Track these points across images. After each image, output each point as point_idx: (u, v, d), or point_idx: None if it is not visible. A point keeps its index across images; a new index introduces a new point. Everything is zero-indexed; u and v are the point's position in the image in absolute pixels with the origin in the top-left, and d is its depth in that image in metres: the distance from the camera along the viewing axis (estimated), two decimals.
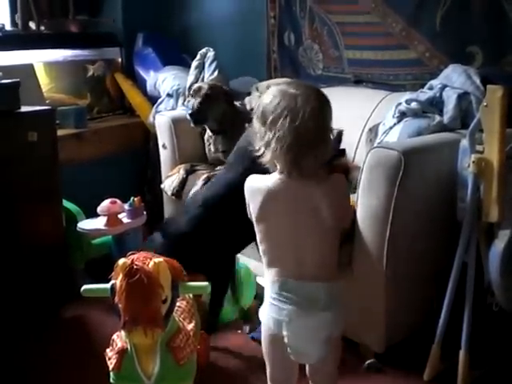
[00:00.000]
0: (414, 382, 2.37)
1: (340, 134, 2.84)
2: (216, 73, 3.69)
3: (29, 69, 3.75)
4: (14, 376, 2.47)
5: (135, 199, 3.15)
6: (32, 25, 4.02)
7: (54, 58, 4.06)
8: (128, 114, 4.32)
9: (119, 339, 1.87)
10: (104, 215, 3.06)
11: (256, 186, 1.72)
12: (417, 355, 2.44)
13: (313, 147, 1.61)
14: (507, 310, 2.29)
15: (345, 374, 2.08)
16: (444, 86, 2.77)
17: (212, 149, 3.38)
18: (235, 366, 2.51)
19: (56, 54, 4.06)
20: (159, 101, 3.95)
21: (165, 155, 3.53)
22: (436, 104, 2.74)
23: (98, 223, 3.07)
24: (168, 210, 3.56)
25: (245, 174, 1.87)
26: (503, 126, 2.09)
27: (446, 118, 2.67)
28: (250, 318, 2.78)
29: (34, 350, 2.66)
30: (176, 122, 3.43)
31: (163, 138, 3.51)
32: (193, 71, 3.78)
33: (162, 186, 3.44)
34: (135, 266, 1.71)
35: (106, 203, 3.08)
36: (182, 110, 3.60)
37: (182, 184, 3.29)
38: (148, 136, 4.05)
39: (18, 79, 2.82)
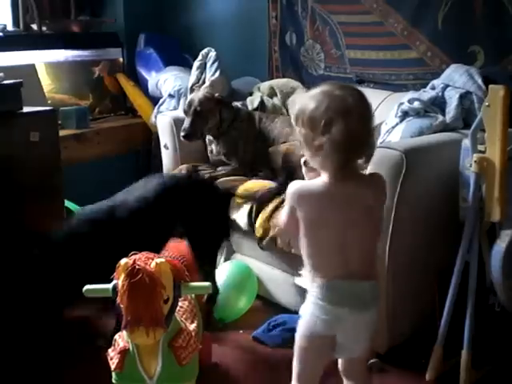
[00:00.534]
0: (417, 382, 2.37)
1: None
2: (218, 73, 3.69)
3: (31, 69, 3.76)
4: (16, 376, 2.47)
5: None
6: (34, 25, 4.02)
7: (56, 58, 4.06)
8: (130, 115, 4.32)
9: (121, 339, 1.87)
10: None
11: (307, 191, 1.69)
12: (419, 355, 2.44)
13: (363, 148, 1.64)
14: (509, 310, 2.29)
15: None
16: (446, 86, 2.77)
17: (214, 151, 3.38)
18: (237, 366, 2.51)
19: (58, 55, 4.07)
20: (161, 101, 3.95)
21: (167, 155, 3.53)
22: (438, 104, 2.74)
23: None
24: None
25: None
26: (505, 126, 2.09)
27: (448, 118, 2.67)
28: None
29: (36, 349, 2.66)
30: (178, 123, 3.43)
31: (165, 138, 3.51)
32: (194, 71, 3.78)
33: None
34: (137, 266, 1.71)
35: None
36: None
37: None
38: (150, 136, 4.05)
39: (20, 80, 2.82)
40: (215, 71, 3.70)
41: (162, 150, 3.55)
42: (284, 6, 3.85)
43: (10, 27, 4.04)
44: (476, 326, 2.25)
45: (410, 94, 2.83)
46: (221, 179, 3.16)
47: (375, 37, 3.37)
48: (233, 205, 2.93)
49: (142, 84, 4.28)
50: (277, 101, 3.63)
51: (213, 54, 3.76)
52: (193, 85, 3.74)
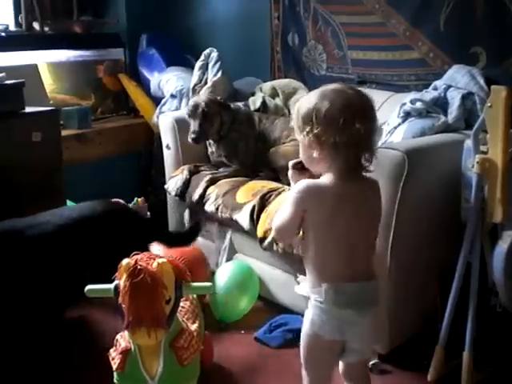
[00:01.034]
0: (418, 383, 2.36)
1: None
2: (219, 73, 3.69)
3: (33, 69, 3.76)
4: (17, 376, 2.47)
5: (139, 200, 3.16)
6: (36, 25, 4.03)
7: (58, 58, 4.07)
8: (132, 115, 4.33)
9: (123, 339, 1.87)
10: None
11: (319, 189, 1.68)
12: (421, 356, 2.44)
13: (372, 146, 1.66)
14: (511, 311, 2.29)
15: None
16: (448, 87, 2.77)
17: (215, 154, 3.38)
18: (239, 367, 2.51)
19: (60, 55, 4.07)
20: (163, 101, 3.96)
21: (168, 156, 3.53)
22: (440, 104, 2.73)
23: None
24: (171, 210, 3.57)
25: None
26: (507, 127, 2.09)
27: (450, 119, 2.67)
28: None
29: (38, 350, 2.66)
30: (180, 123, 3.43)
31: (167, 138, 3.51)
32: (196, 72, 3.79)
33: (166, 186, 3.44)
34: (139, 267, 1.71)
35: None
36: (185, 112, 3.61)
37: (186, 184, 3.29)
38: (152, 136, 4.06)
39: (23, 80, 2.82)
40: (217, 72, 3.70)
41: (164, 150, 3.55)
42: (286, 6, 3.85)
43: (12, 27, 4.05)
44: (478, 327, 2.25)
45: (412, 95, 2.83)
46: (222, 181, 3.17)
47: (377, 37, 3.37)
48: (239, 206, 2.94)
49: (144, 84, 4.28)
50: (279, 101, 3.63)
51: (215, 54, 3.76)
52: (195, 85, 3.75)
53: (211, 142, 3.35)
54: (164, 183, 3.48)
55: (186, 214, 3.29)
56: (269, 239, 2.72)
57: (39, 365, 2.55)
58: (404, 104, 2.75)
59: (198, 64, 3.80)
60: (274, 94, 3.68)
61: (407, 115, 2.72)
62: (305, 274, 1.79)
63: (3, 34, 3.85)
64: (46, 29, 4.05)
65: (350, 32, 3.52)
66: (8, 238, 2.33)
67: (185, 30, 4.43)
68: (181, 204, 3.40)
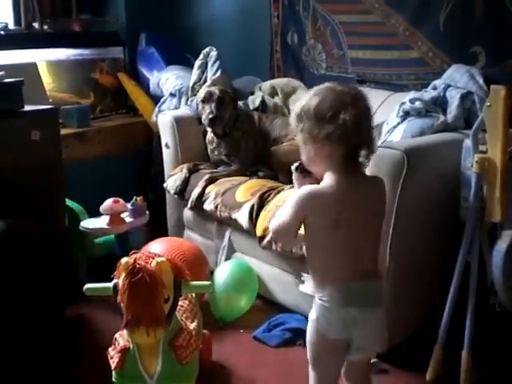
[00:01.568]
0: (417, 383, 2.37)
1: None
2: (219, 72, 3.70)
3: (32, 68, 3.75)
4: (17, 375, 2.47)
5: (138, 198, 3.15)
6: (35, 24, 4.02)
7: (58, 57, 4.06)
8: (131, 114, 4.32)
9: (122, 338, 1.87)
10: (107, 214, 3.07)
11: (320, 194, 1.67)
12: (419, 355, 2.44)
13: (366, 143, 1.67)
14: (510, 311, 2.29)
15: None
16: (447, 86, 2.77)
17: (215, 152, 3.38)
18: (237, 366, 2.51)
19: (59, 53, 4.07)
20: (162, 100, 3.95)
21: (167, 154, 3.53)
22: (440, 103, 2.74)
23: (101, 222, 3.07)
24: (170, 209, 3.57)
25: None
26: (506, 126, 2.09)
27: (449, 118, 2.67)
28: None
29: (37, 348, 2.66)
30: (179, 122, 3.43)
31: (166, 137, 3.51)
32: (196, 71, 3.79)
33: (165, 185, 3.44)
34: (138, 265, 1.71)
35: (108, 202, 3.08)
36: (185, 110, 3.60)
37: (185, 183, 3.29)
38: (151, 135, 4.06)
39: (22, 78, 2.82)
40: (216, 70, 3.70)
41: (163, 149, 3.55)
42: (286, 5, 3.85)
43: (11, 26, 4.04)
44: (476, 326, 2.25)
45: (412, 94, 2.82)
46: (221, 179, 3.16)
47: (377, 37, 3.37)
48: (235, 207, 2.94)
49: (143, 83, 4.28)
50: (278, 100, 3.63)
51: (214, 53, 3.76)
52: (194, 84, 3.75)
53: (214, 138, 3.35)
54: (163, 182, 3.48)
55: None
56: (268, 238, 2.72)
57: (38, 363, 2.55)
58: (403, 103, 2.75)
59: (198, 63, 3.80)
60: (273, 93, 3.69)
61: (406, 114, 2.72)
62: (308, 273, 1.79)
63: (2, 32, 3.84)
64: (46, 27, 4.05)
65: (350, 31, 3.52)
66: None
67: (184, 28, 4.43)
68: (180, 203, 3.40)
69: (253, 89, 3.78)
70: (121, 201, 3.11)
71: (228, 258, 3.11)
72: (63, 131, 3.33)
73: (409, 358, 2.49)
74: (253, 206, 2.84)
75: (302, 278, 1.76)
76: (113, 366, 1.86)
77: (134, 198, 3.15)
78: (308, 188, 1.68)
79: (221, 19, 4.24)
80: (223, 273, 2.88)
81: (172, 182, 3.36)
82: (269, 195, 2.87)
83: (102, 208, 3.07)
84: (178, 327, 1.89)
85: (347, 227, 1.65)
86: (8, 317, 2.59)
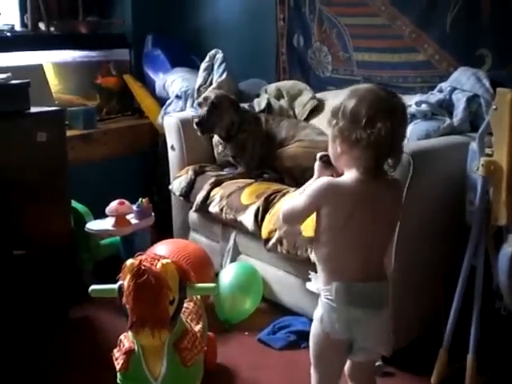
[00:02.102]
0: None
1: None
2: (225, 75, 3.69)
3: (38, 69, 3.76)
4: (22, 376, 2.48)
5: (143, 200, 3.16)
6: (42, 25, 4.03)
7: (64, 58, 4.07)
8: (137, 116, 4.33)
9: (126, 340, 1.87)
10: (112, 216, 3.07)
11: (340, 187, 1.68)
12: (424, 359, 2.43)
13: (395, 153, 1.66)
14: None
15: None
16: (453, 89, 2.77)
17: (222, 154, 3.38)
18: (242, 368, 2.51)
19: (65, 55, 4.07)
20: (168, 102, 3.96)
21: (173, 156, 3.53)
22: (446, 106, 2.73)
23: (106, 224, 3.08)
24: (176, 211, 3.57)
25: None
26: None
27: (455, 121, 2.66)
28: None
29: (42, 350, 2.66)
30: (184, 124, 3.44)
31: (172, 139, 3.51)
32: (202, 73, 3.79)
33: (171, 187, 3.44)
34: (143, 267, 1.71)
35: (114, 204, 3.09)
36: (191, 112, 3.61)
37: (190, 185, 3.29)
38: (157, 137, 4.06)
39: (28, 80, 2.82)
40: (222, 73, 3.70)
41: (169, 151, 3.55)
42: (291, 8, 3.85)
43: (17, 27, 4.05)
44: (482, 330, 2.24)
45: (418, 97, 2.82)
46: (227, 182, 3.16)
47: (383, 39, 3.37)
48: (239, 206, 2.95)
49: (149, 85, 4.28)
50: (284, 103, 3.63)
51: (220, 55, 3.77)
52: (200, 86, 3.75)
53: (220, 141, 3.35)
54: (169, 184, 3.49)
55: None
56: (273, 240, 2.72)
57: (43, 364, 2.55)
58: (409, 106, 2.74)
59: (204, 65, 3.80)
60: (278, 95, 3.68)
61: (412, 117, 2.71)
62: (315, 272, 1.79)
63: (9, 33, 3.85)
64: (52, 29, 4.06)
65: (356, 34, 3.52)
66: None
67: (190, 31, 4.43)
68: (185, 205, 3.40)
69: (258, 91, 3.77)
70: (126, 202, 3.11)
71: (233, 260, 3.11)
72: (69, 133, 3.34)
73: (414, 361, 2.48)
74: (258, 208, 2.84)
75: (310, 276, 1.77)
76: (117, 367, 1.87)
77: (140, 199, 3.15)
78: (327, 179, 1.70)
79: (227, 21, 4.24)
80: (228, 275, 2.88)
81: (177, 184, 3.36)
82: (274, 198, 2.86)
83: (107, 209, 3.08)
84: (182, 329, 1.89)
85: (357, 226, 1.66)
86: (12, 316, 2.61)
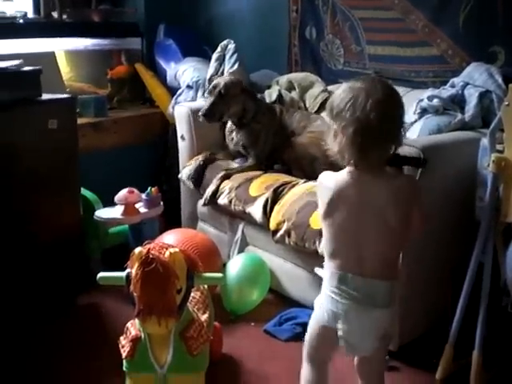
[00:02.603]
0: (426, 381, 2.36)
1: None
2: (236, 65, 3.69)
3: (50, 57, 3.77)
4: (27, 361, 2.49)
5: (152, 189, 3.16)
6: (54, 13, 4.04)
7: (76, 46, 4.08)
8: (148, 105, 4.33)
9: (133, 327, 1.88)
10: (121, 204, 3.08)
11: (326, 183, 1.74)
12: (430, 354, 2.43)
13: (378, 138, 1.65)
14: None
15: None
16: (466, 84, 2.75)
17: (234, 141, 3.37)
18: (247, 359, 2.51)
19: (78, 43, 4.08)
20: (179, 92, 3.96)
21: (183, 146, 3.54)
22: (457, 102, 2.72)
23: (115, 212, 3.09)
24: (185, 200, 3.57)
25: None
26: None
27: (467, 116, 2.65)
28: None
29: (48, 335, 2.68)
30: (195, 114, 3.44)
31: (182, 129, 3.51)
32: (213, 63, 3.78)
33: (180, 175, 3.45)
34: (151, 256, 1.72)
35: (123, 192, 3.10)
36: (202, 102, 3.61)
37: (198, 171, 3.30)
38: (167, 127, 4.06)
39: (40, 67, 2.83)
40: (234, 63, 3.70)
41: (179, 140, 3.55)
42: None
43: (30, 14, 4.06)
44: (488, 326, 2.24)
45: (430, 92, 2.81)
46: (235, 175, 3.16)
47: (396, 33, 3.35)
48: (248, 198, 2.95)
49: (160, 74, 4.29)
50: (295, 95, 3.62)
51: (232, 46, 3.76)
52: (211, 76, 3.74)
53: (232, 127, 3.35)
54: (178, 173, 3.49)
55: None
56: (281, 232, 2.72)
57: (49, 350, 2.57)
58: (421, 100, 2.74)
59: (215, 55, 3.79)
60: (290, 87, 3.68)
61: (424, 112, 2.70)
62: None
63: (22, 20, 3.85)
64: (65, 16, 4.06)
65: (369, 27, 3.50)
66: None
67: (202, 21, 4.43)
68: (194, 194, 3.40)
69: (270, 83, 3.77)
70: (135, 191, 3.12)
71: (241, 251, 3.11)
72: (80, 120, 3.34)
73: (419, 356, 2.48)
74: (267, 200, 2.84)
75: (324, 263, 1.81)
76: (124, 354, 1.87)
77: (149, 188, 3.16)
78: (323, 173, 1.78)
79: (239, 12, 4.23)
80: (236, 266, 2.88)
81: (186, 171, 3.37)
82: (283, 189, 2.86)
83: (116, 198, 3.09)
84: (189, 318, 1.89)
85: (341, 219, 1.69)
86: (19, 302, 2.62)
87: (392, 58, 3.41)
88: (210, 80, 3.71)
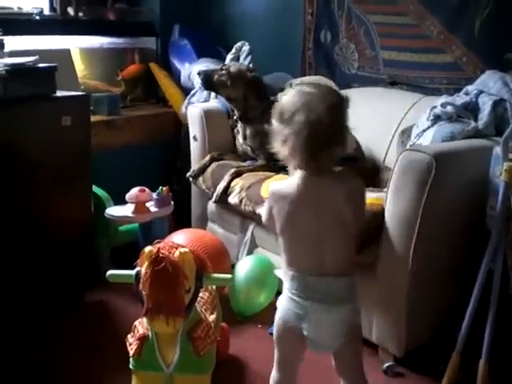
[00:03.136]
0: None
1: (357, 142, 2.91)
2: (250, 67, 3.69)
3: (66, 54, 3.79)
4: (34, 357, 2.50)
5: (164, 188, 3.17)
6: (70, 11, 4.05)
7: (91, 44, 4.10)
8: (161, 104, 4.34)
9: (141, 326, 1.89)
10: (132, 203, 3.09)
11: (280, 193, 1.76)
12: (436, 361, 2.43)
13: (327, 143, 1.66)
14: None
15: None
16: (480, 92, 2.74)
17: (240, 140, 3.38)
18: (253, 360, 2.52)
19: (93, 41, 4.10)
20: (192, 92, 3.97)
21: (195, 147, 3.54)
22: (471, 109, 2.71)
23: (126, 210, 3.10)
24: (195, 200, 3.58)
25: None
26: None
27: (480, 124, 2.64)
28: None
29: (55, 331, 2.69)
30: (208, 115, 3.45)
31: (194, 129, 3.52)
32: None
33: (188, 174, 3.45)
34: (161, 255, 1.73)
35: (134, 191, 3.11)
36: (215, 103, 3.62)
37: (203, 169, 3.31)
38: (179, 126, 4.07)
39: (55, 64, 2.85)
40: (248, 65, 3.70)
41: (191, 141, 3.56)
42: (320, 3, 3.84)
43: (46, 11, 4.07)
44: (496, 335, 2.23)
45: (443, 98, 2.80)
46: (248, 173, 3.16)
47: (411, 39, 3.35)
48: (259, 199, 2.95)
49: (174, 74, 4.30)
50: None
51: (246, 47, 3.77)
52: None
53: (240, 127, 3.36)
54: None
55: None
56: None
57: (56, 345, 2.58)
58: (434, 107, 2.73)
59: (229, 57, 3.80)
60: None
61: (437, 118, 2.70)
62: None
63: (38, 17, 3.87)
64: (81, 14, 4.08)
65: (384, 32, 3.50)
66: None
67: (217, 22, 4.44)
68: (205, 195, 3.41)
69: (283, 85, 3.76)
70: (147, 190, 3.13)
71: (250, 252, 3.12)
72: (93, 118, 3.36)
73: (426, 363, 2.48)
74: None
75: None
76: (131, 352, 1.88)
77: (160, 187, 3.17)
78: (272, 186, 1.80)
79: (254, 13, 4.24)
80: (244, 267, 2.88)
81: (192, 169, 3.39)
82: None
83: (127, 196, 3.10)
84: (197, 318, 1.90)
85: (300, 225, 1.71)
86: (27, 297, 2.63)
87: (406, 64, 3.40)
88: None
